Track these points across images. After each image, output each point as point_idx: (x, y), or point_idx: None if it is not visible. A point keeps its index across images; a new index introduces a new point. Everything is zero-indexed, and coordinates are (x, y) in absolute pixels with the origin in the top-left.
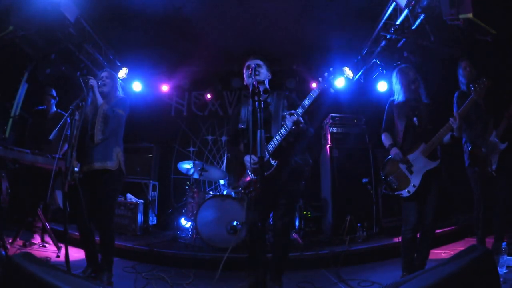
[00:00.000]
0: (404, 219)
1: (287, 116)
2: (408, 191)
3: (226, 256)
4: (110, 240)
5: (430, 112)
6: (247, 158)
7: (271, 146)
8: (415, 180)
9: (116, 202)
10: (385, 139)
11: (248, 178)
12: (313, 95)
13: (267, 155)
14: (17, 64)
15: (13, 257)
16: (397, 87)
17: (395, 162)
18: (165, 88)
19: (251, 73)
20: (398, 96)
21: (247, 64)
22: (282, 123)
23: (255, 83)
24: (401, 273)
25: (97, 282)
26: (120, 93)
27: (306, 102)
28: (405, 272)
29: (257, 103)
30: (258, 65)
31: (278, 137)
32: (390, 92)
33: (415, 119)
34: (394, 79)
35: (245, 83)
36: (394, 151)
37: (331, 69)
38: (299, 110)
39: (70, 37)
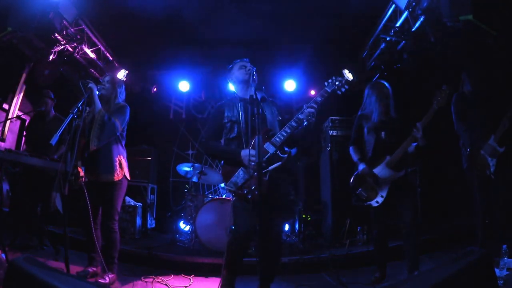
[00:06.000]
0: (373, 226)
1: (305, 106)
2: (377, 202)
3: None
4: (115, 243)
5: (397, 126)
6: (246, 152)
7: (279, 138)
8: (383, 191)
9: (120, 206)
10: (353, 152)
11: (241, 177)
12: (324, 94)
13: (274, 149)
14: (15, 65)
15: (15, 260)
16: (370, 101)
17: (363, 176)
18: (156, 89)
19: (248, 77)
20: (370, 111)
21: (241, 63)
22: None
23: (253, 89)
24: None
25: (100, 284)
26: (121, 99)
27: (319, 98)
28: (378, 271)
29: (255, 109)
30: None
31: (287, 129)
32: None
33: (383, 133)
34: (368, 93)
35: (234, 83)
36: (361, 167)
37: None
38: (314, 104)
39: (68, 38)
